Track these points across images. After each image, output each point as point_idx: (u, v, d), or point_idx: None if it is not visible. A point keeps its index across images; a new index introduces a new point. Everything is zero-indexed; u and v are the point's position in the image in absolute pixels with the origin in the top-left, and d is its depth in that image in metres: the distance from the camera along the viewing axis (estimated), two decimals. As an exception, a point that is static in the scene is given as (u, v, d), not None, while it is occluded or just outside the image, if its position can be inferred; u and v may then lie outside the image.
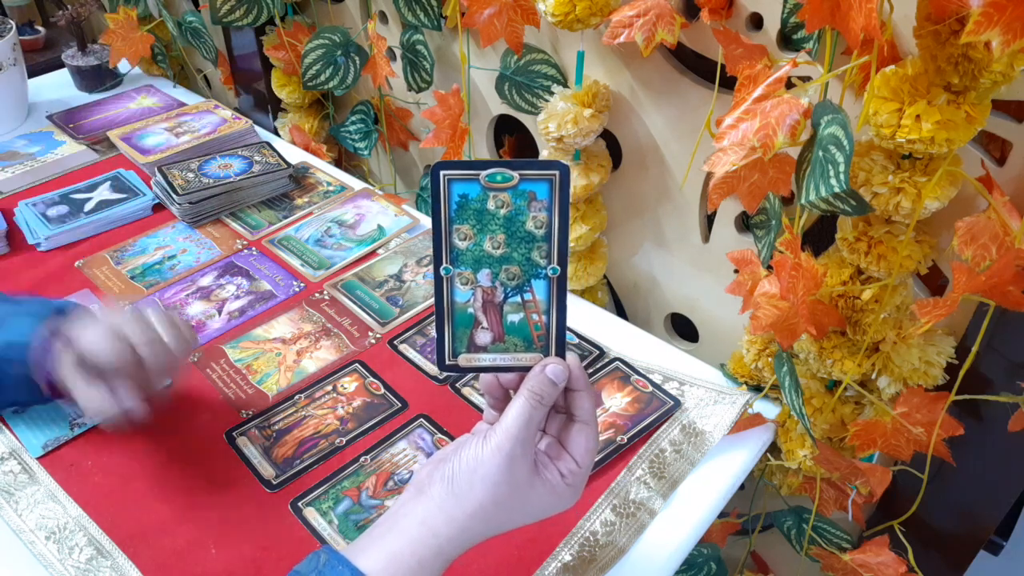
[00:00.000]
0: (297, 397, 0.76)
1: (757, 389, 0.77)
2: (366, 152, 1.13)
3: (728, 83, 0.62)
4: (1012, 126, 0.56)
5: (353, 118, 1.13)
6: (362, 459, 0.70)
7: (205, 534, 0.64)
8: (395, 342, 0.83)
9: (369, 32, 0.97)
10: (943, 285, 0.67)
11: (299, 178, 1.09)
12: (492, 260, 0.48)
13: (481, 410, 0.55)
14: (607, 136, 0.83)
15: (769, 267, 0.62)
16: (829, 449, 0.70)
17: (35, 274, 0.91)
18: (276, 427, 0.73)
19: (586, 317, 0.87)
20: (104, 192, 1.04)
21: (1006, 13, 0.42)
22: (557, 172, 0.47)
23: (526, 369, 0.49)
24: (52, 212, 0.99)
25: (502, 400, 0.51)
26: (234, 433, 0.73)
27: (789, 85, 0.54)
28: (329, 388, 0.77)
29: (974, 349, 0.59)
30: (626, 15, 0.66)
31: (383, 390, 0.77)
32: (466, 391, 0.77)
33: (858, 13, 0.46)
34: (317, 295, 0.89)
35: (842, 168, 0.47)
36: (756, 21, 0.65)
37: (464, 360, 0.50)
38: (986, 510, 0.70)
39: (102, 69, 1.32)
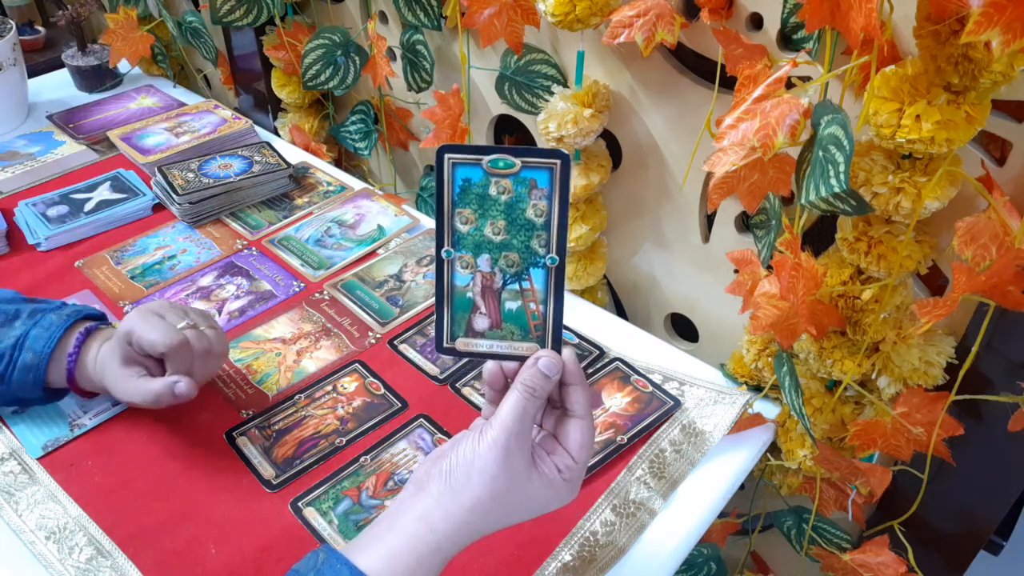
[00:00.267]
0: (297, 397, 0.76)
1: (757, 389, 0.77)
2: (366, 152, 1.13)
3: (728, 83, 0.62)
4: (1012, 126, 0.56)
5: (353, 118, 1.13)
6: (362, 459, 0.70)
7: (205, 534, 0.64)
8: (395, 342, 0.83)
9: (369, 32, 0.97)
10: (943, 285, 0.67)
11: (299, 178, 1.09)
12: (492, 246, 0.49)
13: (480, 410, 0.55)
14: (607, 136, 0.83)
15: (769, 267, 0.62)
16: (829, 449, 0.70)
17: (35, 274, 0.91)
18: (276, 427, 0.73)
19: (586, 317, 0.87)
20: (104, 192, 1.04)
21: (1006, 13, 0.42)
22: (558, 161, 0.47)
23: (521, 359, 0.50)
24: (52, 212, 0.99)
25: (501, 393, 0.51)
26: (234, 433, 0.73)
27: (789, 85, 0.54)
28: (329, 388, 0.77)
29: (974, 349, 0.59)
30: (626, 15, 0.66)
31: (383, 390, 0.77)
32: (466, 391, 0.77)
33: (858, 13, 0.46)
34: (317, 295, 0.89)
35: (842, 168, 0.47)
36: (756, 21, 0.65)
37: (462, 344, 0.51)
38: (986, 510, 0.70)
39: (102, 69, 1.32)
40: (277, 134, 1.24)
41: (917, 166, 0.55)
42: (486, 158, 0.48)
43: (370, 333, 0.84)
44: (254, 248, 0.96)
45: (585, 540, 0.64)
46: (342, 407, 0.75)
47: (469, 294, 0.50)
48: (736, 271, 0.67)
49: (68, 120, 1.21)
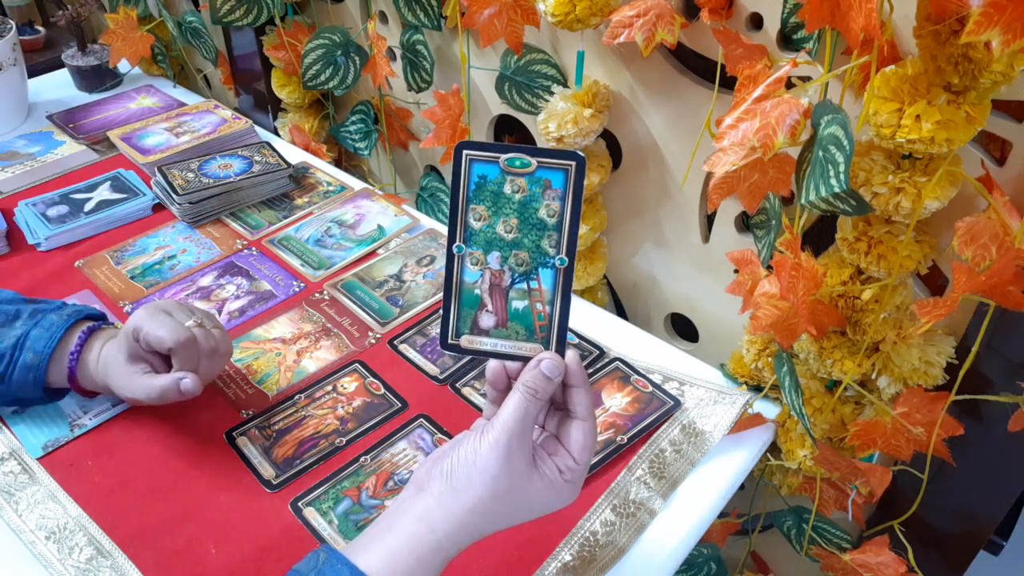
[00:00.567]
0: (297, 397, 0.76)
1: (757, 389, 0.77)
2: (366, 152, 1.13)
3: (728, 83, 0.62)
4: (1012, 126, 0.56)
5: (353, 118, 1.13)
6: (362, 459, 0.70)
7: (205, 534, 0.64)
8: (395, 342, 0.83)
9: (369, 32, 0.97)
10: (943, 285, 0.67)
11: (299, 178, 1.09)
12: (503, 243, 0.50)
13: (481, 410, 0.55)
14: (607, 136, 0.83)
15: (769, 267, 0.62)
16: (829, 449, 0.70)
17: (35, 274, 0.91)
18: (276, 427, 0.73)
19: (586, 317, 0.87)
20: (104, 192, 1.04)
21: (1006, 13, 0.42)
22: (574, 163, 0.48)
23: (525, 359, 0.50)
24: (52, 212, 0.99)
25: (503, 393, 0.51)
26: (234, 433, 0.73)
27: (789, 85, 0.54)
28: (329, 388, 0.77)
29: (974, 349, 0.59)
30: (626, 15, 0.66)
31: (383, 390, 0.77)
32: (466, 391, 0.77)
33: (858, 13, 0.46)
34: (317, 295, 0.89)
35: (842, 168, 0.47)
36: (756, 21, 0.65)
37: (466, 341, 0.51)
38: (986, 510, 0.70)
39: (102, 69, 1.32)
40: (277, 134, 1.24)
41: (917, 166, 0.55)
42: (503, 156, 0.48)
43: (370, 333, 0.84)
44: (254, 248, 0.96)
45: (585, 540, 0.64)
46: (342, 407, 0.75)
47: (477, 291, 0.50)
48: (736, 271, 0.67)
49: (68, 120, 1.21)
